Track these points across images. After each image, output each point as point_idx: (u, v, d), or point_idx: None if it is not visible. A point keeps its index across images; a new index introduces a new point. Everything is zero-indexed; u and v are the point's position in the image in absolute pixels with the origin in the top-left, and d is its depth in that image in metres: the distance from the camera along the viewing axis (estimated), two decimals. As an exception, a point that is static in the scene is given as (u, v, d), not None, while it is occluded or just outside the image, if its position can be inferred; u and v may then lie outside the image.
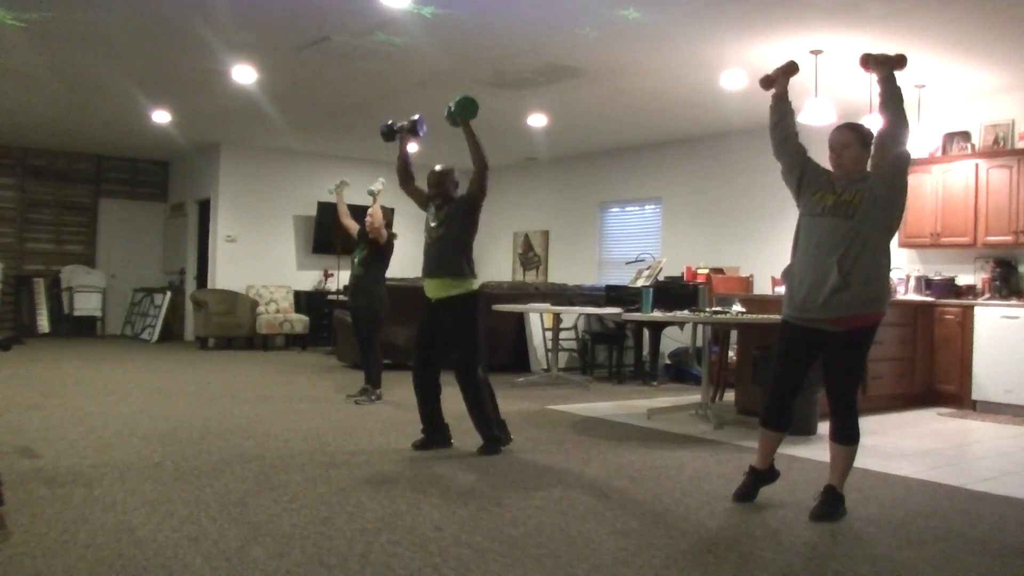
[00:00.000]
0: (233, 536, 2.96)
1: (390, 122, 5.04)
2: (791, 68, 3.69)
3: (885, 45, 6.19)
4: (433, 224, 4.70)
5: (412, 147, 4.97)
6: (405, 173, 4.92)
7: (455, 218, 4.63)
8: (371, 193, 6.58)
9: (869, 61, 3.48)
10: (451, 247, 4.60)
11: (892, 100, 3.40)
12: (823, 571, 2.82)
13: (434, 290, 4.63)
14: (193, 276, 12.46)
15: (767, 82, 3.74)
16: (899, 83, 3.43)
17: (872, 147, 3.46)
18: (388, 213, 6.67)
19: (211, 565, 2.66)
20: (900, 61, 3.45)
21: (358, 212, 6.93)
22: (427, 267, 4.67)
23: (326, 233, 11.70)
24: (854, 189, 3.39)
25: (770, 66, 3.81)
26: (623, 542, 3.02)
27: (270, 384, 7.48)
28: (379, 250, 6.54)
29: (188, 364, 9.05)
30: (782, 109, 3.67)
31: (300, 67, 7.36)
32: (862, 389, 6.09)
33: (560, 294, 9.34)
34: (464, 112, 4.57)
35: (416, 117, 4.92)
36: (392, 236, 6.66)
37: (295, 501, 3.46)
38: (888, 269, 3.49)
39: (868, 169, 3.46)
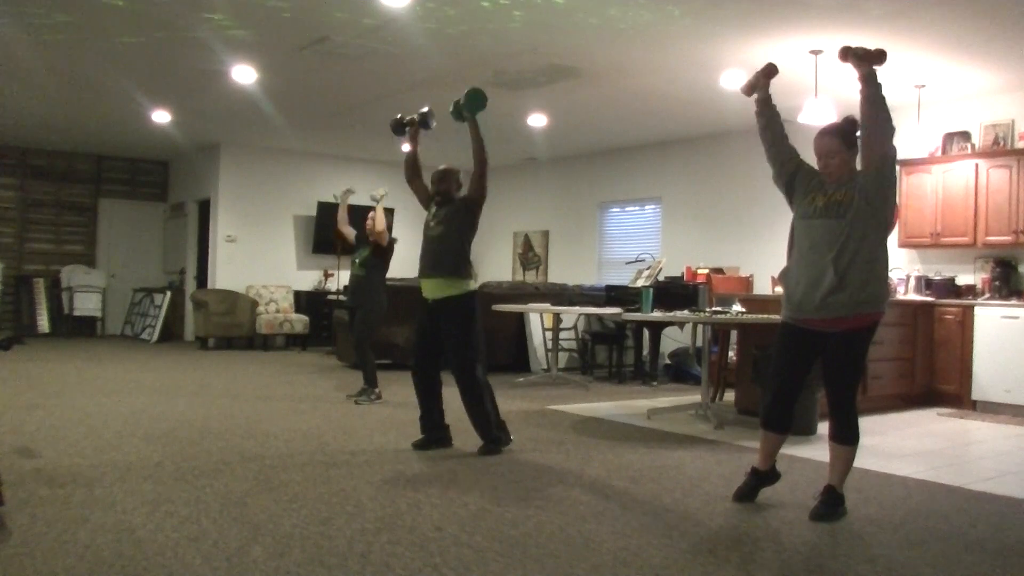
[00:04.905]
0: (233, 536, 2.96)
1: (399, 116, 5.03)
2: (770, 70, 3.68)
3: (885, 45, 6.17)
4: (432, 223, 4.71)
5: (406, 147, 4.95)
6: (413, 168, 4.91)
7: (454, 218, 4.64)
8: (374, 199, 6.60)
9: (848, 55, 3.43)
10: (448, 247, 4.61)
11: (874, 98, 3.37)
12: (823, 571, 2.82)
13: (431, 290, 4.63)
14: (193, 276, 12.46)
15: (749, 88, 3.74)
16: (880, 80, 3.38)
17: (859, 147, 3.45)
18: (388, 215, 6.67)
19: (211, 565, 2.66)
20: (879, 56, 3.40)
21: (359, 213, 6.94)
22: (424, 266, 4.67)
23: (326, 233, 11.69)
24: (844, 189, 3.40)
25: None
26: (623, 542, 3.02)
27: (270, 384, 7.48)
28: (381, 252, 6.57)
29: (188, 364, 9.05)
30: (768, 113, 3.67)
31: (300, 67, 7.36)
32: (862, 389, 6.09)
33: (560, 294, 9.33)
34: (473, 105, 4.56)
35: (425, 109, 4.90)
36: (392, 240, 6.68)
37: (295, 501, 3.46)
38: (886, 268, 3.49)
39: (858, 167, 3.47)
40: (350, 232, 6.86)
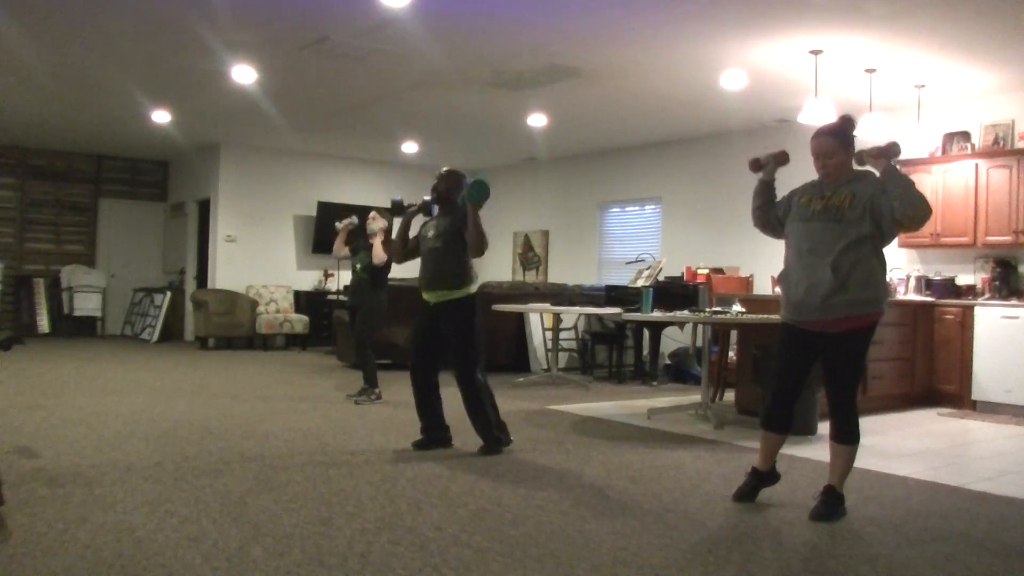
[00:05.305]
0: (233, 536, 2.96)
1: (399, 198, 5.03)
2: (783, 158, 3.72)
3: (885, 45, 6.21)
4: (431, 234, 4.70)
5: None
6: (402, 250, 4.89)
7: (452, 235, 4.63)
8: (371, 232, 6.56)
9: (864, 158, 3.43)
10: (449, 258, 4.61)
11: (901, 187, 3.29)
12: (823, 571, 2.82)
13: (432, 296, 4.64)
14: (193, 276, 12.46)
15: (756, 165, 3.79)
16: (901, 171, 3.36)
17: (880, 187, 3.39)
18: (387, 219, 6.66)
19: (211, 565, 2.66)
20: (893, 150, 3.40)
21: (362, 212, 6.94)
22: (425, 277, 4.66)
23: (326, 233, 11.65)
24: (843, 192, 3.40)
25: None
26: (623, 542, 3.02)
27: (270, 384, 7.48)
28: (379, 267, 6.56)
29: (188, 364, 9.05)
30: (766, 195, 3.73)
31: (300, 67, 7.35)
32: (862, 389, 6.09)
33: (560, 294, 9.33)
34: (476, 196, 4.52)
35: (426, 198, 4.90)
36: (389, 260, 6.65)
37: (295, 501, 3.46)
38: (884, 268, 3.49)
39: (856, 167, 3.47)
40: (344, 251, 6.90)
